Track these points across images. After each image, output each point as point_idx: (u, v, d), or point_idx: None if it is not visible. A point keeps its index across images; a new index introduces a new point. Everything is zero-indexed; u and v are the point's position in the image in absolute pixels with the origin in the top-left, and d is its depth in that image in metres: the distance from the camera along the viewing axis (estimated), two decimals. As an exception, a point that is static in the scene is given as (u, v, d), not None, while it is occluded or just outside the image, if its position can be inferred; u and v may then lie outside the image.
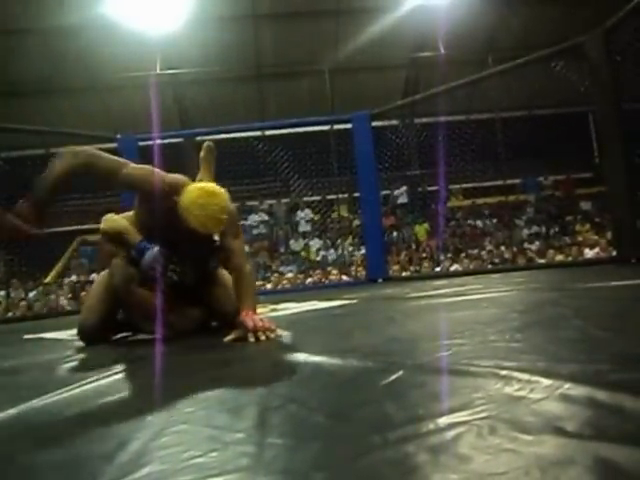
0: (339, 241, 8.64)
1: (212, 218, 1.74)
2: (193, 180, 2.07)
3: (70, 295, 8.13)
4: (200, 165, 2.96)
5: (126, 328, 2.19)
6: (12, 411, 0.99)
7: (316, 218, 9.60)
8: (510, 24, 10.72)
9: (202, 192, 1.76)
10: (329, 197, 8.54)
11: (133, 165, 1.93)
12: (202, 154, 2.90)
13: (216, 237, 1.99)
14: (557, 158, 9.96)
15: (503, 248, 8.34)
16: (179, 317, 2.06)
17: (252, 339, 1.67)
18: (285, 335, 1.75)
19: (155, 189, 1.86)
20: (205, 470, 0.61)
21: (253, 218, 9.60)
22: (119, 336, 2.20)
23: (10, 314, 6.34)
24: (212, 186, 1.81)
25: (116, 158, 1.97)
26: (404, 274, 6.93)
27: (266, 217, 9.78)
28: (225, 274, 2.16)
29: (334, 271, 7.49)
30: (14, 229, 1.73)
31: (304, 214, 9.77)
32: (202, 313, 2.14)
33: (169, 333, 1.96)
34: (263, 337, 1.68)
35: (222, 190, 1.81)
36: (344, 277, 7.05)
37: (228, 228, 1.92)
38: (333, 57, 10.81)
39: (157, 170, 1.93)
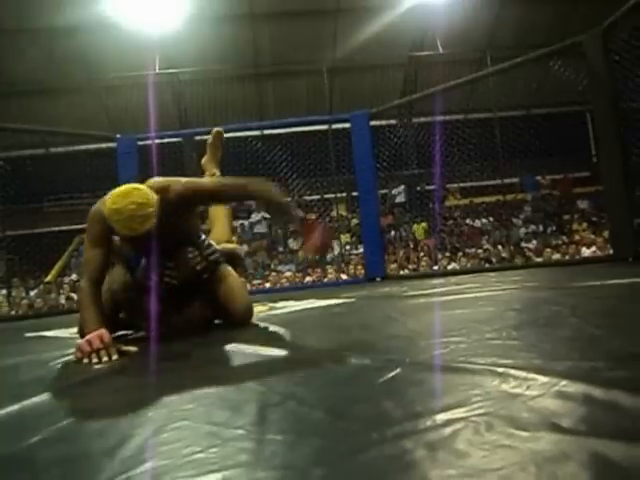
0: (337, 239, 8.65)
1: (133, 218, 1.69)
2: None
3: (70, 294, 8.14)
4: (207, 150, 2.96)
5: (127, 326, 2.21)
6: (15, 407, 1.00)
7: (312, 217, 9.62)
8: (508, 23, 10.72)
9: (115, 197, 1.71)
10: (327, 196, 8.54)
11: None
12: (209, 140, 2.90)
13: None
14: (555, 157, 9.98)
15: (500, 247, 8.36)
16: (179, 318, 2.07)
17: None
18: (284, 333, 1.76)
19: (100, 216, 1.80)
20: (205, 466, 0.61)
21: (253, 217, 9.63)
22: (119, 334, 2.21)
23: (12, 312, 6.36)
24: (126, 187, 1.74)
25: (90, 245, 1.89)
26: (402, 273, 6.93)
27: (267, 215, 9.81)
28: (232, 272, 2.17)
29: (332, 270, 7.50)
30: None
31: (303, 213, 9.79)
32: (203, 312, 2.14)
33: (168, 331, 1.97)
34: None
35: (139, 187, 1.75)
36: (343, 276, 7.06)
37: (201, 201, 1.94)
38: (331, 56, 10.81)
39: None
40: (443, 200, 10.22)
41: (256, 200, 2.03)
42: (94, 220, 1.85)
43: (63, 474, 0.66)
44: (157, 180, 1.93)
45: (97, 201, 1.90)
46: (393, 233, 9.04)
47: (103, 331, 1.59)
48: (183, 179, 1.99)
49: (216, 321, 2.23)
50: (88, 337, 1.56)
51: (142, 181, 1.90)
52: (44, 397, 1.07)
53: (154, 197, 1.75)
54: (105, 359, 1.49)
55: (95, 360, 1.49)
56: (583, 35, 4.07)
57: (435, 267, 7.42)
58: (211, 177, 2.72)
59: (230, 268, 2.20)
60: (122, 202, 1.68)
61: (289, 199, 1.98)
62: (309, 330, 1.91)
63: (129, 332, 2.22)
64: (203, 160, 2.97)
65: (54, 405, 1.02)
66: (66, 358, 1.66)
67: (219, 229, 2.61)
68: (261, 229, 9.62)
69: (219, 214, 2.70)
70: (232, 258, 2.30)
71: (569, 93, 6.33)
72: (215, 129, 2.88)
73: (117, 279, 2.03)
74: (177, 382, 1.18)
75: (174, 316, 2.04)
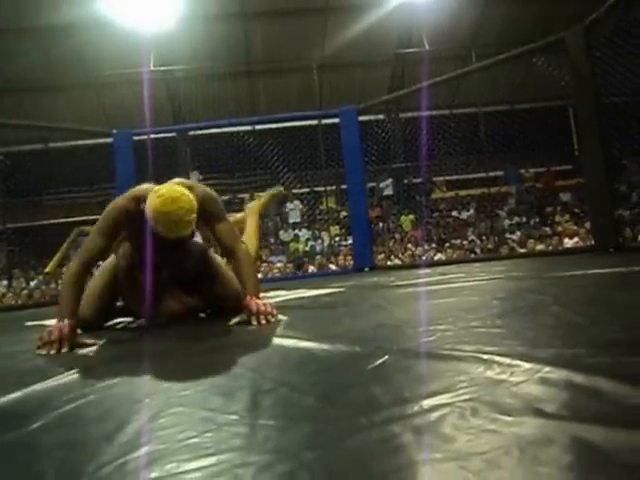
0: (325, 231, 8.67)
1: (178, 223, 1.71)
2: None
3: None
4: (261, 199, 3.07)
5: (124, 314, 2.22)
6: (16, 394, 1.01)
7: (305, 209, 9.65)
8: (493, 20, 10.80)
9: (164, 200, 1.71)
10: (317, 189, 8.56)
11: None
12: (273, 192, 2.80)
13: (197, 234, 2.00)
14: (538, 151, 10.07)
15: (485, 238, 8.44)
16: (176, 303, 2.08)
17: (255, 322, 1.71)
18: (283, 320, 1.77)
19: (121, 213, 1.85)
20: (200, 450, 0.62)
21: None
22: (117, 321, 2.21)
23: (12, 302, 6.35)
24: (173, 190, 1.76)
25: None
26: (390, 263, 6.98)
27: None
28: (222, 263, 2.18)
29: (322, 260, 7.54)
30: None
31: (293, 205, 9.79)
32: (199, 302, 2.16)
33: (164, 318, 1.98)
34: (264, 321, 1.71)
35: (184, 191, 1.77)
36: (332, 266, 7.09)
37: (213, 213, 1.93)
38: (321, 53, 10.85)
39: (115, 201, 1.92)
40: (429, 193, 10.28)
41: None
42: (113, 213, 1.87)
43: (63, 458, 0.66)
44: (181, 181, 1.95)
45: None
46: (381, 225, 9.08)
47: (67, 323, 1.60)
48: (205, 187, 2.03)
49: (208, 311, 2.24)
50: (51, 328, 1.60)
51: (158, 182, 1.91)
52: (44, 385, 1.08)
53: (195, 203, 1.77)
54: (53, 352, 1.52)
55: (47, 351, 1.53)
56: (566, 32, 4.11)
57: (422, 258, 7.48)
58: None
59: (220, 258, 2.22)
60: (172, 206, 1.70)
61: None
62: (300, 319, 1.91)
63: (125, 320, 2.22)
64: (250, 204, 2.88)
65: (54, 392, 1.02)
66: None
67: (250, 242, 2.58)
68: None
69: (251, 229, 2.73)
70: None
71: (552, 89, 6.39)
72: (281, 189, 2.80)
73: (124, 256, 2.03)
74: (172, 369, 1.19)
75: (171, 302, 2.05)
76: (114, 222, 1.86)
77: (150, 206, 1.72)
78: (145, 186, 1.93)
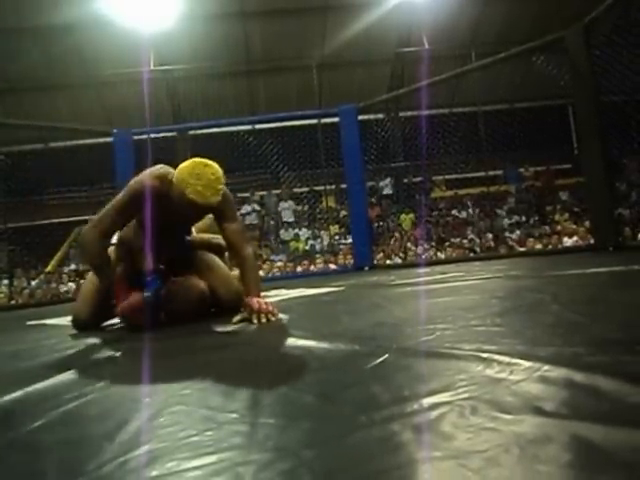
0: (325, 230, 8.68)
1: (210, 187, 1.76)
2: None
3: (70, 283, 8.18)
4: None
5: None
6: (18, 393, 1.01)
7: (301, 209, 9.64)
8: (492, 19, 10.80)
9: (196, 164, 1.78)
10: (317, 188, 8.57)
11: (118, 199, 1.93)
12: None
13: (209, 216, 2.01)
14: (538, 150, 10.08)
15: (484, 237, 8.44)
16: (182, 287, 2.06)
17: (255, 321, 1.72)
18: (283, 319, 1.78)
19: (144, 191, 1.87)
20: (201, 448, 0.63)
21: (245, 209, 9.61)
22: (116, 320, 2.21)
23: (13, 302, 6.37)
24: (202, 160, 1.83)
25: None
26: (389, 262, 6.98)
27: (258, 207, 9.81)
28: (218, 261, 2.18)
29: (322, 259, 7.55)
30: None
31: (287, 205, 9.78)
32: (205, 290, 2.11)
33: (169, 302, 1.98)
34: (264, 320, 1.72)
35: (215, 163, 1.84)
36: (332, 265, 7.10)
37: (225, 212, 1.96)
38: (320, 53, 10.86)
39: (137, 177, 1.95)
40: (429, 192, 10.28)
41: None
42: (136, 190, 1.89)
43: (64, 457, 0.67)
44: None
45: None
46: (381, 224, 9.09)
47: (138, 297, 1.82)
48: None
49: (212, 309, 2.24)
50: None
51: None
52: (45, 384, 1.08)
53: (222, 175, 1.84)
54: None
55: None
56: (565, 31, 4.11)
57: (422, 257, 7.49)
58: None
59: (216, 257, 2.22)
60: (203, 170, 1.76)
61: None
62: (300, 318, 1.91)
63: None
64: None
65: (55, 391, 1.02)
66: (66, 345, 1.67)
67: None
68: (252, 220, 9.61)
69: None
70: (214, 249, 2.30)
71: (552, 87, 6.39)
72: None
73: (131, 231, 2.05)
74: (172, 368, 1.19)
75: (176, 286, 2.03)
76: (136, 199, 1.87)
77: (182, 174, 1.77)
78: (160, 166, 1.96)
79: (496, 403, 0.66)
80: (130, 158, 5.36)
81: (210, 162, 1.82)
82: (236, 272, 2.25)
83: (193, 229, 2.35)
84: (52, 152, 9.33)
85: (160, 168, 1.94)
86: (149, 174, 1.91)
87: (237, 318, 1.80)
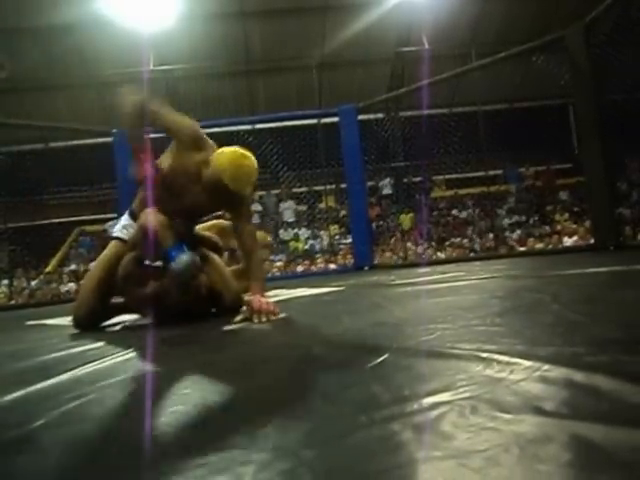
0: (325, 230, 8.68)
1: (246, 177, 1.88)
2: None
3: (70, 283, 8.20)
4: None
5: (123, 312, 2.22)
6: (19, 393, 1.01)
7: (301, 209, 9.65)
8: (492, 19, 10.79)
9: (237, 154, 1.90)
10: (317, 188, 8.57)
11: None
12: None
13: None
14: (538, 149, 10.08)
15: (485, 237, 8.44)
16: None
17: (256, 320, 1.73)
18: (284, 319, 1.78)
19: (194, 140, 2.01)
20: (201, 448, 0.62)
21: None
22: (116, 320, 2.21)
23: (12, 302, 6.38)
24: (244, 151, 1.94)
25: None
26: (389, 262, 6.98)
27: (259, 207, 9.82)
28: (219, 261, 2.19)
29: (322, 259, 7.55)
30: None
31: (287, 205, 9.79)
32: (200, 285, 2.11)
33: (168, 308, 1.98)
34: (264, 319, 1.73)
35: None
36: (332, 265, 7.10)
37: (244, 210, 2.04)
38: (320, 53, 10.86)
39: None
40: (429, 192, 10.28)
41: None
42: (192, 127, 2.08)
43: (65, 457, 0.67)
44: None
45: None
46: (381, 224, 9.09)
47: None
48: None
49: (212, 310, 2.24)
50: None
51: None
52: (45, 383, 1.08)
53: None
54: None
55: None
56: (565, 30, 4.11)
57: (422, 256, 7.49)
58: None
59: (217, 257, 2.22)
60: (243, 161, 1.90)
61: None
62: (300, 318, 1.91)
63: (124, 319, 2.22)
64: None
65: (55, 391, 1.02)
66: (66, 345, 1.67)
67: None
68: (252, 220, 9.63)
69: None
70: (211, 247, 2.31)
71: (552, 87, 6.39)
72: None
73: (124, 268, 2.05)
74: (173, 368, 1.19)
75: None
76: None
77: (222, 160, 1.88)
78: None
79: (496, 403, 0.66)
80: (130, 158, 5.37)
81: (249, 154, 1.92)
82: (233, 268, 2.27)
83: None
84: (52, 152, 9.34)
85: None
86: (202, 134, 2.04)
87: (238, 318, 1.81)
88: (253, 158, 1.93)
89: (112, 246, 2.20)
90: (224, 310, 2.10)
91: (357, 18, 10.22)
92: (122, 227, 2.25)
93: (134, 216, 2.22)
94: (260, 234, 2.76)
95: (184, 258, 1.89)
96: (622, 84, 4.16)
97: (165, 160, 2.09)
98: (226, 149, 1.94)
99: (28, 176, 7.75)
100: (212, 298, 2.13)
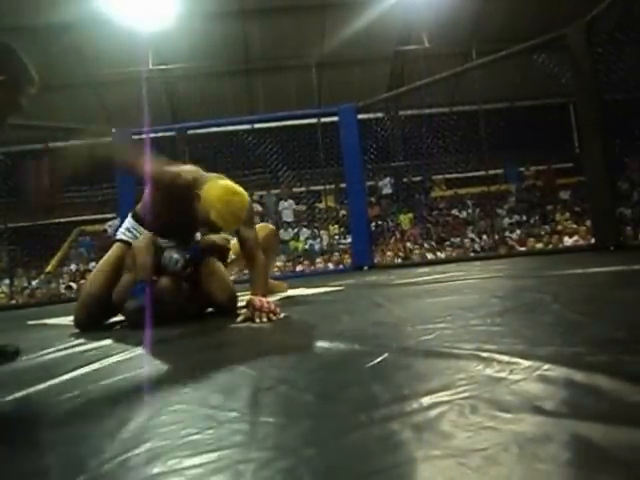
0: (325, 230, 8.68)
1: (233, 215, 1.83)
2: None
3: (70, 283, 8.21)
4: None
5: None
6: (20, 394, 1.01)
7: (301, 208, 9.65)
8: (493, 17, 10.78)
9: (226, 190, 1.84)
10: (316, 188, 8.57)
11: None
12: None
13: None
14: (538, 149, 10.07)
15: (485, 237, 8.44)
16: (168, 287, 2.06)
17: (257, 320, 1.74)
18: (284, 318, 1.78)
19: (174, 183, 1.94)
20: (202, 446, 0.63)
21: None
22: (117, 319, 2.21)
23: (13, 301, 6.39)
24: (235, 185, 1.89)
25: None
26: (389, 261, 6.98)
27: (259, 207, 9.83)
28: (217, 264, 2.19)
29: (322, 259, 7.55)
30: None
31: (287, 204, 9.78)
32: (187, 289, 2.13)
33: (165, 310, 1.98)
34: (265, 319, 1.73)
35: (243, 190, 1.89)
36: (331, 265, 7.10)
37: (245, 219, 1.99)
38: (319, 51, 10.85)
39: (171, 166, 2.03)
40: (429, 191, 10.28)
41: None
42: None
43: (66, 455, 0.67)
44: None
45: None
46: (380, 223, 9.09)
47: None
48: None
49: (207, 309, 2.24)
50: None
51: None
52: (45, 383, 1.08)
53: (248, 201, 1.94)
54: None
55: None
56: (567, 28, 4.10)
57: (421, 256, 7.49)
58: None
59: (216, 260, 2.22)
60: (232, 198, 1.84)
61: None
62: (299, 317, 1.91)
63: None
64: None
65: (56, 390, 1.03)
66: (66, 345, 1.67)
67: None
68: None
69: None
70: (219, 249, 2.31)
71: (553, 86, 6.39)
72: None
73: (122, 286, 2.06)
74: (173, 367, 1.20)
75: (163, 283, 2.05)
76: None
77: (210, 196, 1.83)
78: (197, 169, 2.04)
79: (496, 402, 0.66)
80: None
81: (240, 190, 1.88)
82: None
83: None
84: (52, 152, 9.37)
85: (196, 171, 2.01)
86: (183, 172, 1.99)
87: (240, 318, 1.81)
88: (244, 194, 1.89)
89: (115, 248, 2.20)
90: (221, 309, 2.12)
91: (357, 16, 10.20)
92: (125, 229, 2.25)
93: (137, 218, 2.23)
94: (265, 225, 2.78)
95: (174, 257, 1.99)
96: (623, 83, 4.15)
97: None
98: (217, 184, 1.89)
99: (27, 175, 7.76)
100: (208, 300, 2.14)
